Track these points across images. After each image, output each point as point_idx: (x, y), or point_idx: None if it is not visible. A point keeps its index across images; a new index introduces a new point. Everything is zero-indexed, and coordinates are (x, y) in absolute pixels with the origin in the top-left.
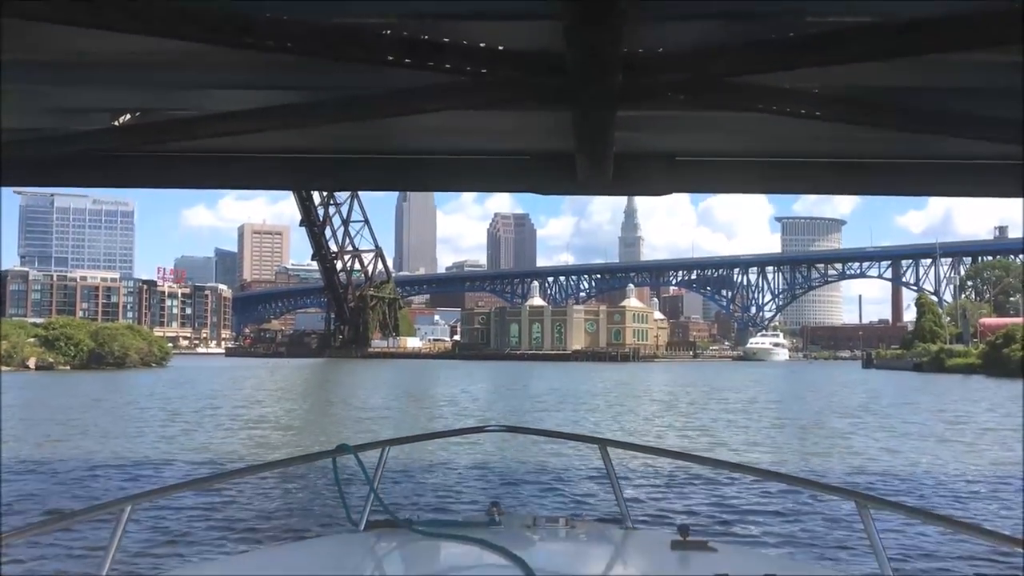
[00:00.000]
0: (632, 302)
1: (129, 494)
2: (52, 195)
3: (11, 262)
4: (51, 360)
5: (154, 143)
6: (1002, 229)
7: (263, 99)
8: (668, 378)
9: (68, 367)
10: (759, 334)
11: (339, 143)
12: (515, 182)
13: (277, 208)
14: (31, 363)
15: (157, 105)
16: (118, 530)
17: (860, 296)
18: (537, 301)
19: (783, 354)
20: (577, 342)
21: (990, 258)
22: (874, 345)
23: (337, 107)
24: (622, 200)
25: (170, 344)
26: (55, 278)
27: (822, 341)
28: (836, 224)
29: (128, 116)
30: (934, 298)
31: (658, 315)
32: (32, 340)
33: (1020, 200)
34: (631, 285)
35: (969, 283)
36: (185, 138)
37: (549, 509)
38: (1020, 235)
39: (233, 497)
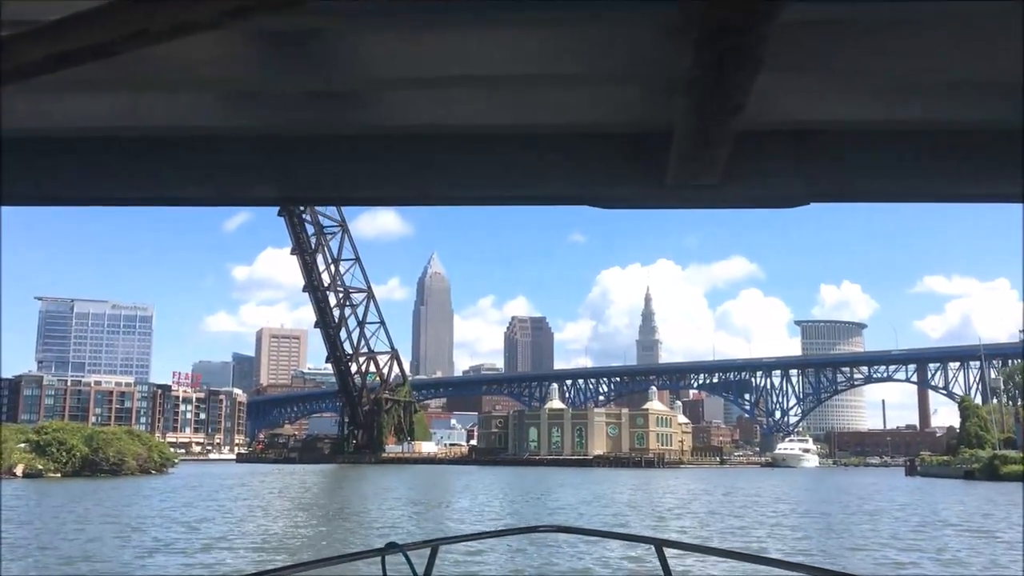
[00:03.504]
0: (655, 405)
1: None
2: (72, 301)
3: (28, 367)
4: (40, 467)
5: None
6: None
7: None
8: (705, 487)
9: (59, 474)
10: (787, 439)
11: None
12: (567, 187)
13: (298, 314)
14: (18, 470)
15: None
16: None
17: (884, 401)
18: (556, 404)
19: (813, 460)
20: (599, 447)
21: (1020, 361)
22: (902, 451)
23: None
24: (639, 303)
25: (182, 450)
26: (69, 383)
27: (849, 447)
28: (857, 328)
29: None
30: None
31: (682, 419)
32: (23, 445)
33: None
34: (653, 388)
35: (1000, 387)
36: (92, 53)
37: None
38: None
39: None
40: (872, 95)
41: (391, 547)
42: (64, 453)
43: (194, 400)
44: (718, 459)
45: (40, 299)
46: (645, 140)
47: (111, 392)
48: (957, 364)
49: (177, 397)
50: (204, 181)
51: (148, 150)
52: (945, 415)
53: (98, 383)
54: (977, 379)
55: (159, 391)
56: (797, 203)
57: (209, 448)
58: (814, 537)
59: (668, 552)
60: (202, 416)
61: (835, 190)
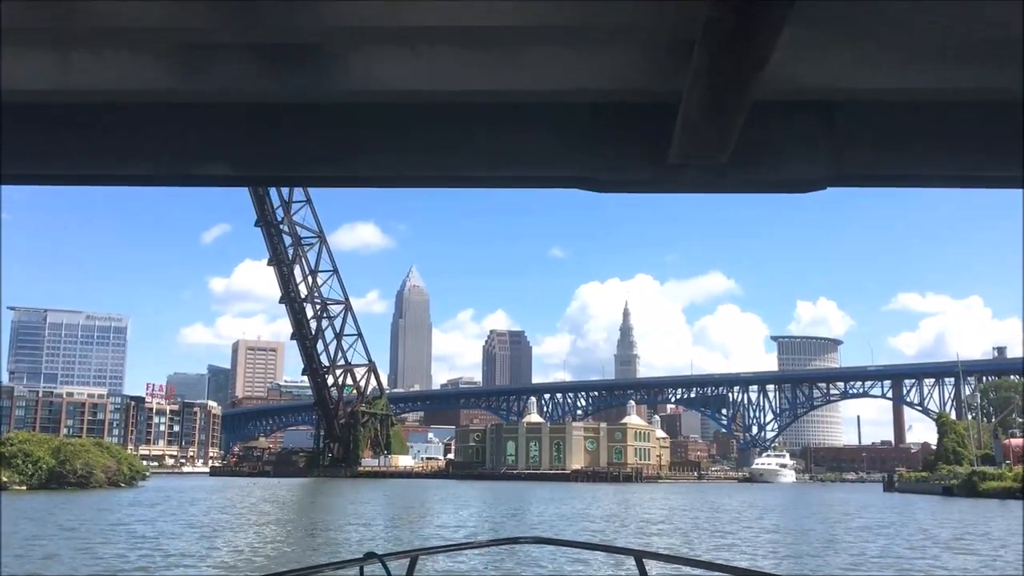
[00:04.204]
0: (634, 419)
1: None
2: (45, 311)
3: None
4: (4, 479)
5: None
6: (1001, 350)
7: None
8: (686, 502)
9: (24, 487)
10: (764, 455)
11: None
12: (558, 165)
13: (275, 326)
14: None
15: None
16: None
17: (859, 417)
18: (534, 418)
19: (790, 475)
20: (577, 461)
21: (994, 378)
22: (877, 467)
23: None
24: (618, 318)
25: (155, 463)
26: (40, 394)
27: (825, 463)
28: (833, 344)
29: None
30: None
31: (660, 433)
32: None
33: (1010, 321)
34: (632, 402)
35: (974, 404)
36: None
37: None
38: (1019, 355)
39: None
40: (916, 61)
41: (370, 557)
42: (30, 465)
43: (168, 412)
44: (696, 474)
45: (12, 309)
46: (647, 111)
47: (83, 404)
48: (932, 381)
49: (151, 409)
50: (144, 156)
51: (77, 119)
52: (920, 431)
53: (70, 394)
54: (952, 396)
55: (132, 403)
56: (815, 187)
57: (183, 461)
58: (819, 556)
59: (648, 564)
60: (176, 429)
61: (862, 172)
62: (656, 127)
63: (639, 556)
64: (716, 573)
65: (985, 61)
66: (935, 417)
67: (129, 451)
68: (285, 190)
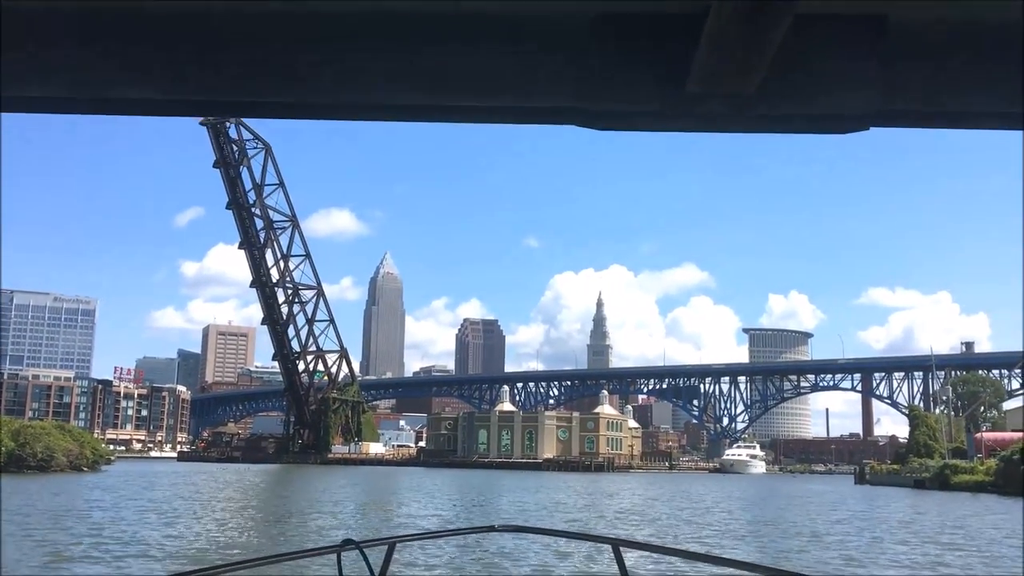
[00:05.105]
0: (606, 409)
1: None
2: (12, 292)
3: None
4: None
5: None
6: (969, 345)
7: None
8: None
9: None
10: (735, 446)
11: None
12: (551, 93)
13: (247, 311)
14: None
15: None
16: None
17: (827, 409)
18: (507, 407)
19: (760, 466)
20: (549, 450)
21: (963, 372)
22: (846, 459)
23: None
24: (591, 308)
25: (122, 447)
26: (5, 376)
27: (794, 454)
28: (803, 337)
29: None
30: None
31: (632, 423)
32: None
33: (978, 316)
34: (605, 392)
35: (943, 398)
36: None
37: None
38: (986, 350)
39: None
40: None
41: (347, 544)
42: None
43: (136, 396)
44: (667, 464)
45: None
46: (662, 25)
47: (49, 386)
48: (901, 374)
49: (118, 393)
50: (42, 74)
51: None
52: (888, 424)
53: (36, 377)
54: (920, 390)
55: (99, 386)
56: (860, 124)
57: (150, 446)
58: (810, 550)
59: (625, 552)
60: (144, 413)
61: (916, 108)
62: (673, 46)
63: (616, 544)
64: (692, 561)
65: None
66: (906, 411)
67: (96, 435)
68: (258, 172)
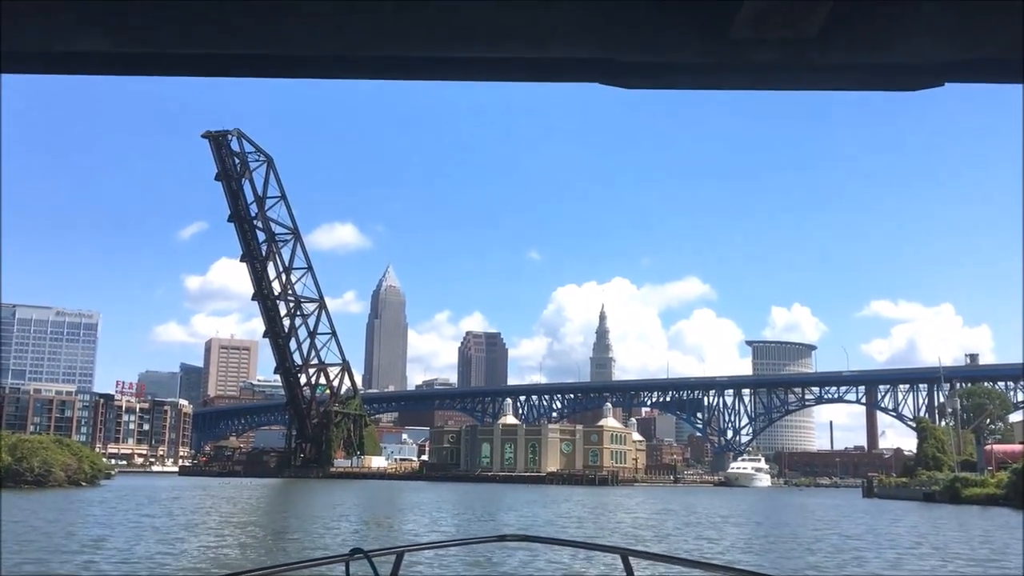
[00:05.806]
0: (610, 422)
1: None
2: (14, 306)
3: None
4: None
5: None
6: (973, 356)
7: None
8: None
9: None
10: (740, 459)
11: None
12: (577, 44)
13: (250, 325)
14: None
15: None
16: None
17: (831, 422)
18: (510, 420)
19: (765, 480)
20: (552, 463)
21: (969, 384)
22: (851, 472)
23: None
24: (594, 321)
25: (123, 461)
26: (7, 390)
27: (799, 467)
28: (807, 349)
29: None
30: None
31: (636, 436)
32: None
33: (980, 328)
34: (608, 404)
35: (950, 410)
36: None
37: None
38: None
39: None
40: None
41: (355, 553)
42: None
43: (138, 410)
44: (672, 477)
45: None
46: None
47: (51, 400)
48: (907, 386)
49: (120, 407)
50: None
51: None
52: (892, 437)
53: (38, 391)
54: (925, 402)
55: (101, 400)
56: (934, 79)
57: (152, 460)
58: (847, 567)
59: (634, 562)
60: (146, 427)
61: (998, 57)
62: None
63: (625, 554)
64: (702, 571)
65: None
66: (911, 423)
67: (97, 449)
68: (260, 184)
